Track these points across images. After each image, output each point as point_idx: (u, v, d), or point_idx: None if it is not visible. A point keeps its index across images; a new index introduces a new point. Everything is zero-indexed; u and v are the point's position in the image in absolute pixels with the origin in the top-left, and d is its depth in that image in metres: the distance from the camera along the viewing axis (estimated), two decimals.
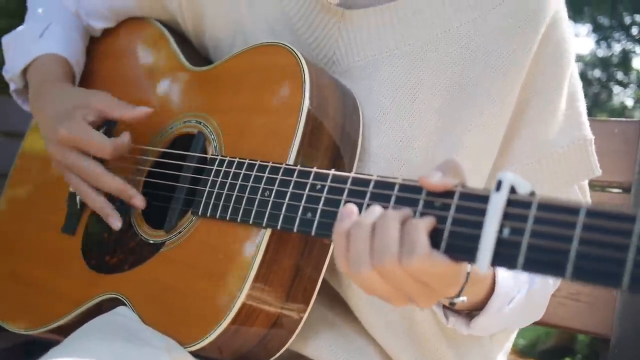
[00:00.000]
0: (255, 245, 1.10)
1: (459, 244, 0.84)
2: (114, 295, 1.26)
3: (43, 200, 1.54)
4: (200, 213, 1.18)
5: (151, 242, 1.26)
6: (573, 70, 1.27)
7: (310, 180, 1.04)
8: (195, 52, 1.50)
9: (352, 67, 1.27)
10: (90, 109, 1.34)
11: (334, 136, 1.16)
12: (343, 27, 1.28)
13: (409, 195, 0.91)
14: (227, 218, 1.13)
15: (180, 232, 1.21)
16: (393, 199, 0.92)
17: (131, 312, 1.21)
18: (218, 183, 1.17)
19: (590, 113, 1.31)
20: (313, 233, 1.01)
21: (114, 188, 1.30)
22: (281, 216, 1.06)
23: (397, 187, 0.93)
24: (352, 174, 0.99)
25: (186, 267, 1.18)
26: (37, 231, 1.51)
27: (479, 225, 0.82)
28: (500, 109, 1.20)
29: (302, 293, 1.15)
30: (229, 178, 1.16)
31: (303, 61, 1.17)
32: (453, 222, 0.85)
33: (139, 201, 1.30)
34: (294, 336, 1.17)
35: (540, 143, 1.23)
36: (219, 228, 1.16)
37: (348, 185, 0.99)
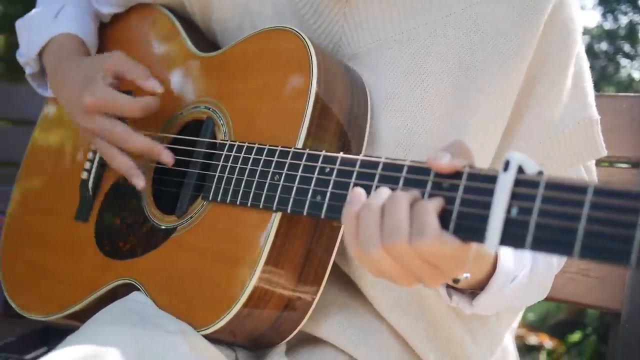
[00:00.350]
0: (266, 228, 1.11)
1: (467, 225, 0.85)
2: (127, 281, 1.27)
3: (55, 189, 1.55)
4: (210, 198, 1.19)
5: (163, 227, 1.27)
6: (580, 49, 1.26)
7: (319, 164, 1.05)
8: (203, 37, 1.50)
9: (359, 52, 1.27)
10: (106, 71, 1.35)
11: (342, 119, 1.16)
12: (348, 12, 1.28)
13: (417, 177, 0.92)
14: (238, 202, 1.14)
15: (191, 217, 1.22)
16: (401, 180, 0.93)
17: (145, 297, 1.22)
18: (228, 168, 1.18)
19: (597, 86, 1.30)
20: (323, 215, 1.02)
21: (141, 146, 1.30)
22: (291, 199, 1.07)
23: (405, 169, 0.94)
24: (360, 157, 1.00)
25: (198, 251, 1.19)
26: (50, 219, 1.52)
27: (487, 206, 0.82)
28: (507, 91, 1.20)
29: (314, 275, 1.16)
30: (239, 163, 1.17)
31: (310, 45, 1.17)
32: (461, 202, 0.86)
33: (167, 157, 1.29)
34: (306, 318, 1.18)
35: (546, 123, 1.23)
36: (230, 212, 1.17)
37: (357, 168, 0.99)
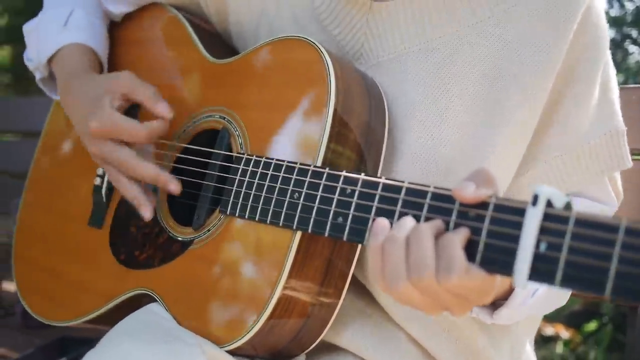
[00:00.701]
0: (287, 244, 1.10)
1: (494, 257, 0.84)
2: (145, 292, 1.27)
3: (66, 194, 1.54)
4: (228, 212, 1.18)
5: (180, 239, 1.26)
6: (608, 58, 1.24)
7: (340, 184, 1.03)
8: (217, 41, 1.47)
9: (382, 60, 1.24)
10: (115, 94, 1.31)
11: (360, 131, 1.15)
12: (371, 19, 1.25)
13: (442, 205, 0.90)
14: (257, 219, 1.13)
15: (209, 230, 1.21)
16: (425, 207, 0.92)
17: (161, 309, 1.22)
18: (245, 183, 1.17)
19: None
20: (345, 238, 1.01)
21: (148, 175, 1.27)
22: (312, 220, 1.06)
23: (429, 195, 0.92)
24: (382, 180, 0.99)
25: (217, 266, 1.18)
26: (63, 225, 1.52)
27: (515, 239, 0.82)
28: (534, 102, 1.17)
29: (334, 287, 1.15)
30: (256, 178, 1.15)
31: (327, 56, 1.14)
32: (488, 234, 0.85)
33: (174, 186, 1.26)
34: (326, 329, 1.18)
35: (573, 135, 1.21)
36: (249, 227, 1.16)
37: (379, 192, 0.98)
